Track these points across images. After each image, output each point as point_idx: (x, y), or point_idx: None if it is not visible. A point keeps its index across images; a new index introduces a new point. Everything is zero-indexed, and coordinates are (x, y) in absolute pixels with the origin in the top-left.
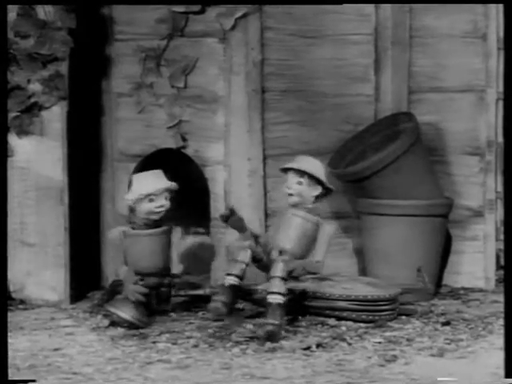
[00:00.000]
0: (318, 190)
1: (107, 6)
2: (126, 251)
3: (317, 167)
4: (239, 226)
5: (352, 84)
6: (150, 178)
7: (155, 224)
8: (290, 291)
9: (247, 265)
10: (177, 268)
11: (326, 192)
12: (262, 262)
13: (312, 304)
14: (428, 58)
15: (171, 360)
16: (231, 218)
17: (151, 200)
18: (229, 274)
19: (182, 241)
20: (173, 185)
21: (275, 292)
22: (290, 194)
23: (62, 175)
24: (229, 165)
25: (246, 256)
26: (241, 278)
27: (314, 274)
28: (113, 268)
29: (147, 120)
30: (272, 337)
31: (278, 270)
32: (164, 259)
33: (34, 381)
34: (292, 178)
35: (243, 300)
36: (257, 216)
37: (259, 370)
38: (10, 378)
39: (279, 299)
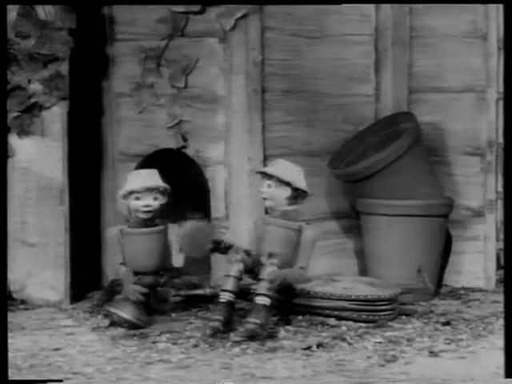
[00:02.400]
0: (287, 192)
1: (107, 5)
2: (123, 250)
3: (286, 169)
4: (227, 252)
5: (352, 84)
6: (140, 176)
7: (149, 223)
8: (279, 291)
9: (240, 279)
10: (176, 259)
11: (299, 194)
12: (254, 273)
13: (312, 304)
14: (428, 59)
15: (171, 360)
16: (219, 248)
17: (137, 198)
18: (224, 290)
19: (181, 226)
20: (162, 185)
21: (262, 294)
22: (264, 198)
23: (63, 175)
24: (229, 165)
25: (238, 270)
26: (235, 292)
27: (300, 281)
28: (112, 267)
29: (148, 120)
30: (252, 336)
31: (267, 273)
32: (159, 258)
33: (60, 381)
34: (264, 182)
35: (243, 300)
36: (257, 216)
37: (259, 369)
38: (10, 378)
39: (265, 301)
